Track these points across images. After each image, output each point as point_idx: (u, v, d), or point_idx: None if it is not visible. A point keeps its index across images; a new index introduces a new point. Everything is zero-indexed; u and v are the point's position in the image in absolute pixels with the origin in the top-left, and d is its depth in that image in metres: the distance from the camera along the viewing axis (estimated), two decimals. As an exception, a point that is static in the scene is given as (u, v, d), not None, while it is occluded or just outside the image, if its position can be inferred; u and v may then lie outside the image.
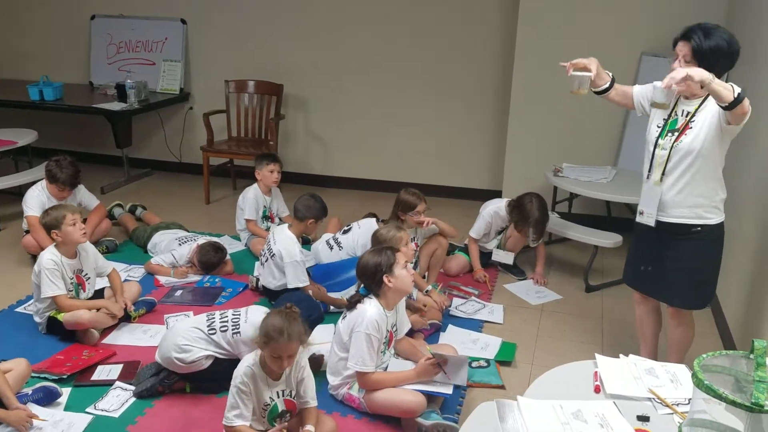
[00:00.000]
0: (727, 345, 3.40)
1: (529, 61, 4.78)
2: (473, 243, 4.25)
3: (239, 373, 2.45)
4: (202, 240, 4.24)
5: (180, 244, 4.25)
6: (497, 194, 5.22)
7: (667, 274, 2.78)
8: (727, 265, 3.61)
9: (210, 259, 4.10)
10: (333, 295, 3.72)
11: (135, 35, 6.01)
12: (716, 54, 2.52)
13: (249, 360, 2.49)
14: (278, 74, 5.61)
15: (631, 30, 4.59)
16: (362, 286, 2.86)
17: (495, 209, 4.19)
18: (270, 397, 2.49)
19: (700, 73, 2.33)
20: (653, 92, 2.55)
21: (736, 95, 2.34)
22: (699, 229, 2.66)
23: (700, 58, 2.53)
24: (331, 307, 3.63)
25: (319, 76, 5.68)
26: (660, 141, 2.68)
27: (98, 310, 3.33)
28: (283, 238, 3.64)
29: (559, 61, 2.82)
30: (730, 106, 2.37)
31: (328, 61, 5.64)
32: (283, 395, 2.52)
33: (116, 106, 5.42)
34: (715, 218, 2.67)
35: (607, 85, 2.82)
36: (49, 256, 3.33)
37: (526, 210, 3.98)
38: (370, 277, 2.77)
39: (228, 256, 4.24)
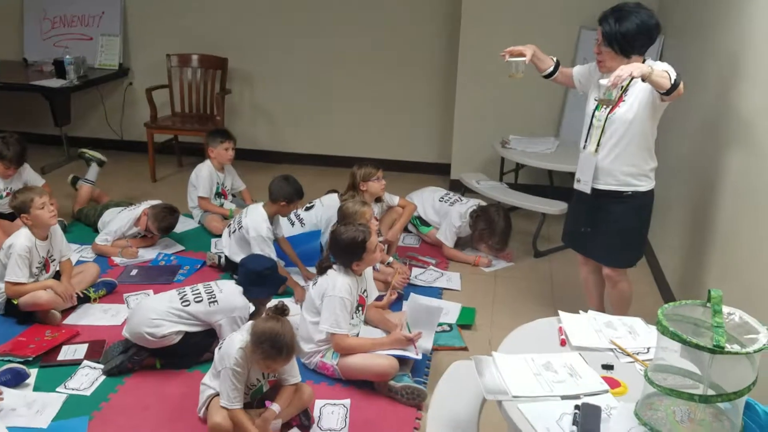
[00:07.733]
0: (667, 301, 3.64)
1: (474, 36, 4.88)
2: (451, 250, 4.16)
3: (232, 355, 2.43)
4: (146, 205, 4.13)
5: (119, 213, 4.17)
6: (446, 168, 5.36)
7: (600, 235, 2.98)
8: (665, 227, 3.87)
9: (170, 222, 4.08)
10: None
11: (70, 9, 5.78)
12: (627, 38, 2.70)
13: (239, 341, 2.46)
14: (222, 48, 5.52)
15: (571, 4, 4.76)
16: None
17: (459, 215, 4.14)
18: (257, 378, 2.54)
19: (640, 69, 2.47)
20: (600, 89, 2.63)
21: (673, 81, 2.52)
22: (630, 194, 2.85)
23: (611, 42, 2.72)
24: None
25: (264, 49, 5.62)
26: (596, 113, 2.86)
27: (45, 290, 3.27)
28: (254, 214, 3.69)
29: (503, 35, 2.97)
30: (668, 92, 2.55)
31: (273, 33, 5.57)
32: (268, 377, 2.57)
33: (55, 83, 5.23)
34: (645, 185, 2.87)
35: (551, 69, 3.04)
36: (24, 241, 3.24)
37: (493, 220, 4.01)
38: (343, 252, 2.84)
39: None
